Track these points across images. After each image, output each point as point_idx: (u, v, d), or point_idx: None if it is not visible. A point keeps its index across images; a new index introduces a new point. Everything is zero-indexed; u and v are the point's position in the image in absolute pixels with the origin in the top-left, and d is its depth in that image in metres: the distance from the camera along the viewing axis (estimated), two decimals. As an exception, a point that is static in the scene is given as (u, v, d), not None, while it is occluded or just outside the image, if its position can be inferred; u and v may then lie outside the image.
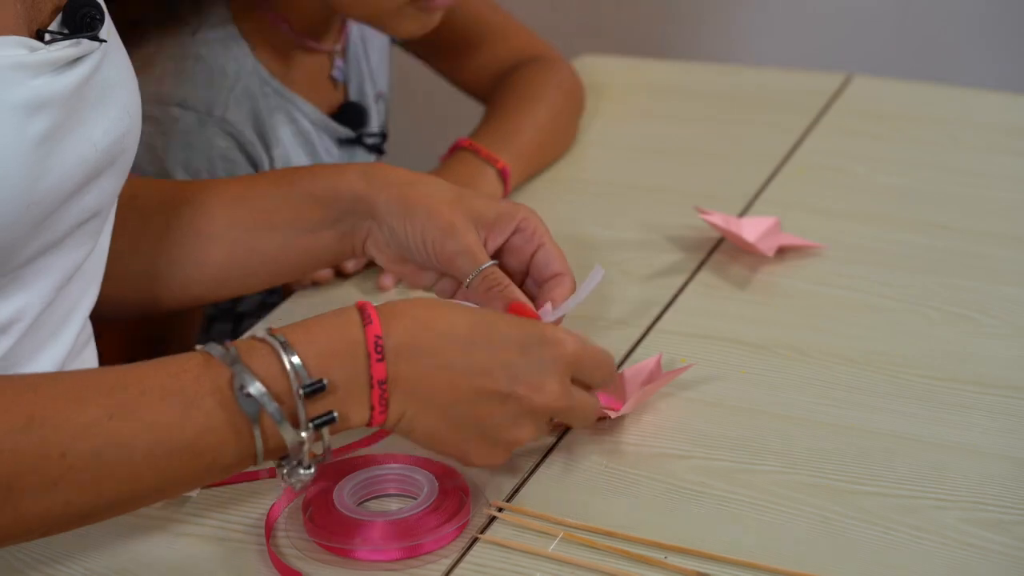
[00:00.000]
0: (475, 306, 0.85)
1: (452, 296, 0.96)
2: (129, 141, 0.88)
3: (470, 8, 1.39)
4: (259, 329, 0.77)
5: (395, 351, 0.77)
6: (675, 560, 0.79)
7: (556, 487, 0.86)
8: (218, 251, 0.99)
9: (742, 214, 1.22)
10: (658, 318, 1.06)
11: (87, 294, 0.90)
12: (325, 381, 0.75)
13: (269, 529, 0.82)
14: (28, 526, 0.71)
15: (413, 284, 0.98)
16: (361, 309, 0.78)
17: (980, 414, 0.93)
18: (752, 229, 1.14)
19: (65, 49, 0.80)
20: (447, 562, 0.79)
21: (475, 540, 0.81)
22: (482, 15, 1.40)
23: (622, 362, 1.00)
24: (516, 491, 0.86)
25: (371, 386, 0.77)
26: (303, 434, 0.74)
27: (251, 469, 0.77)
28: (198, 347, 0.76)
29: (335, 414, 0.75)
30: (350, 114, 1.33)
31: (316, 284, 1.13)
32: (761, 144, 1.38)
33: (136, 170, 0.99)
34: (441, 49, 1.41)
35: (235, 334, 1.02)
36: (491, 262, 0.93)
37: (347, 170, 0.97)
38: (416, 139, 1.63)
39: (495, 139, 1.25)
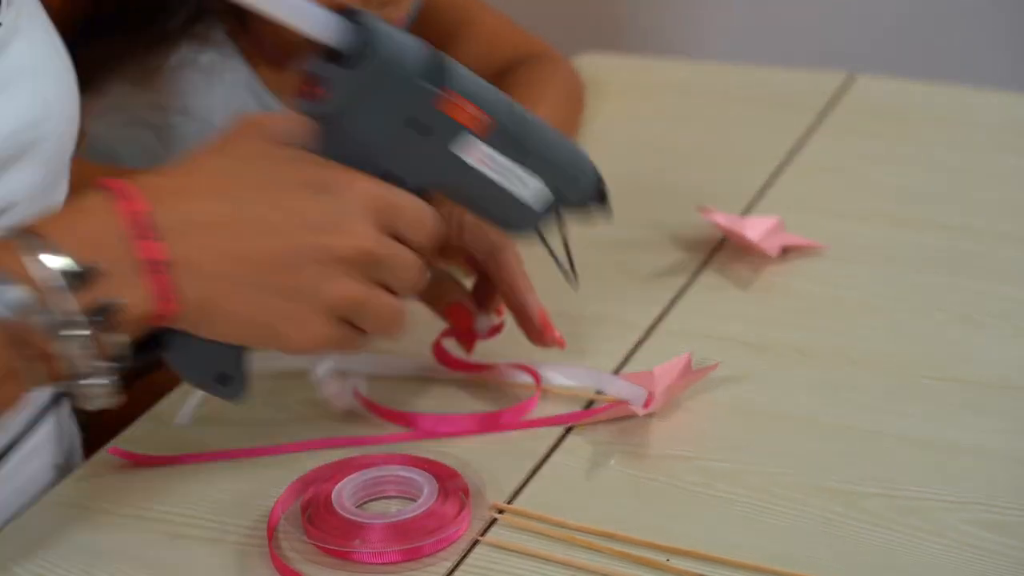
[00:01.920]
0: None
1: None
2: (46, 131, 0.82)
3: (464, 11, 1.39)
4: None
5: (168, 228, 0.68)
6: (677, 563, 0.78)
7: (557, 489, 0.86)
8: None
9: (745, 213, 1.22)
10: (660, 318, 1.05)
11: None
12: (96, 266, 0.65)
13: (271, 531, 0.81)
14: None
15: None
16: (104, 187, 0.68)
17: (984, 415, 0.92)
18: (755, 229, 1.14)
19: None
20: (447, 564, 0.79)
21: (476, 542, 0.81)
22: (477, 18, 1.40)
23: (623, 364, 0.99)
24: (517, 493, 0.85)
25: (141, 269, 0.67)
26: (75, 332, 0.64)
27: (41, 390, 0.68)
28: None
29: (118, 301, 0.65)
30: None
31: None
32: (764, 143, 1.37)
33: None
34: None
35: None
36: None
37: None
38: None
39: None
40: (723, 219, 1.15)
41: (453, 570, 0.79)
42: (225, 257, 0.70)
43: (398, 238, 0.75)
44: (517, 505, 0.84)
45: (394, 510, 0.83)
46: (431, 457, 0.86)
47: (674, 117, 1.47)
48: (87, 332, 0.65)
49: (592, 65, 1.55)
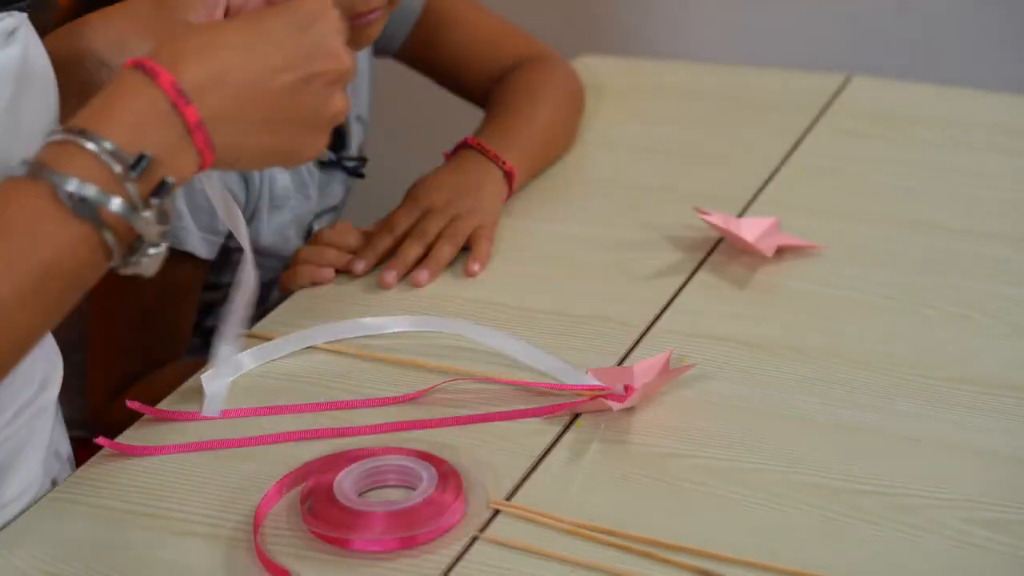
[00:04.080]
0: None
1: None
2: None
3: (464, 16, 1.39)
4: (53, 133, 0.72)
5: (196, 89, 0.76)
6: (674, 558, 0.79)
7: (556, 486, 0.86)
8: None
9: (741, 214, 1.22)
10: (657, 318, 1.06)
11: None
12: (148, 153, 0.73)
13: (257, 526, 0.82)
14: None
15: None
16: (140, 66, 0.75)
17: (979, 414, 0.93)
18: (751, 229, 1.14)
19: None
20: (447, 560, 0.79)
21: (475, 539, 0.81)
22: (477, 21, 1.40)
23: (620, 363, 1.00)
24: (516, 489, 0.86)
25: (190, 132, 0.75)
26: (147, 214, 0.73)
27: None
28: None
29: (170, 180, 0.74)
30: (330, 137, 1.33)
31: (316, 284, 1.12)
32: (760, 144, 1.38)
33: None
34: (440, 60, 1.41)
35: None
36: None
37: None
38: (395, 162, 1.61)
39: (501, 139, 1.26)
40: (720, 220, 1.15)
41: (452, 565, 0.79)
42: (244, 102, 0.78)
43: None
44: (516, 502, 0.84)
45: (394, 498, 0.84)
46: (431, 451, 0.86)
47: (672, 119, 1.47)
48: (153, 212, 0.73)
49: (591, 67, 1.55)
